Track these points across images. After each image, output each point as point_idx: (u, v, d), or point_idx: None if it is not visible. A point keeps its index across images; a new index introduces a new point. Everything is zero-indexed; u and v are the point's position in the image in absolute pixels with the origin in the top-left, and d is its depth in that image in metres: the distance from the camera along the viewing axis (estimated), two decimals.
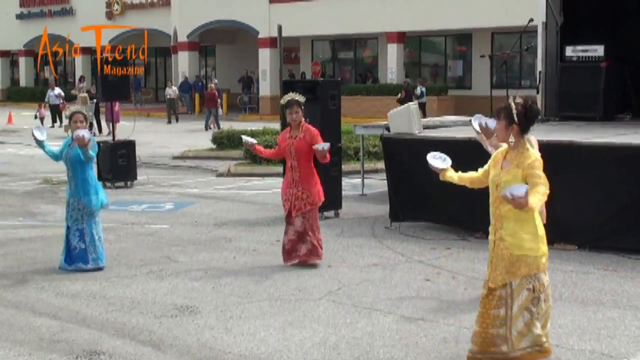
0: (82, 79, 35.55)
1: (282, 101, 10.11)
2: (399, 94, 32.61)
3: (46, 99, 35.36)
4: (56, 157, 10.08)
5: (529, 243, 6.21)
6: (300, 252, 9.90)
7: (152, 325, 7.69)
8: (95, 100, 31.08)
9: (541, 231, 6.28)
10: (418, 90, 33.73)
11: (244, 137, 10.63)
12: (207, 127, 33.32)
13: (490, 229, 6.43)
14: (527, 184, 6.04)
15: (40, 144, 9.97)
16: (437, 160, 6.86)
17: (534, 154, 6.26)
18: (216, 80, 39.09)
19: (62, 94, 35.65)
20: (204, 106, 36.27)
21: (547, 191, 6.10)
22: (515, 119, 6.20)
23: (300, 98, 9.91)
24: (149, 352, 7.00)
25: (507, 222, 6.22)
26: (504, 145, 6.43)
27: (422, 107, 32.86)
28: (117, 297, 8.68)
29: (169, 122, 37.21)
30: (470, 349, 6.43)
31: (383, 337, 7.30)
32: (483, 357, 6.33)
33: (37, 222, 13.30)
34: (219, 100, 36.24)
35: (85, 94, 32.35)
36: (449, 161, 6.87)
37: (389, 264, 10.09)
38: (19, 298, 8.75)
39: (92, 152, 9.79)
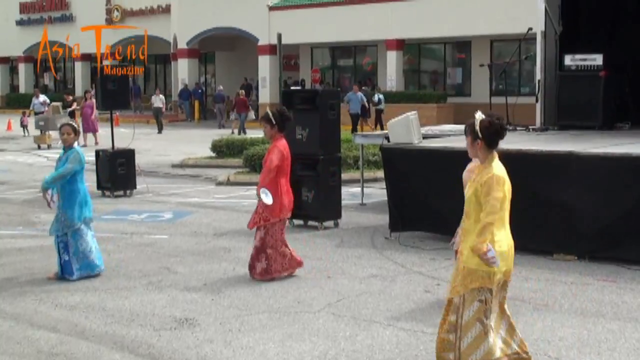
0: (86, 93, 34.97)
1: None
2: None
3: (31, 107, 35.01)
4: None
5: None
6: (256, 270, 9.87)
7: (151, 338, 7.67)
8: (68, 110, 30.85)
9: (501, 247, 6.16)
10: (376, 98, 33.76)
11: (261, 192, 10.21)
12: (241, 132, 34.26)
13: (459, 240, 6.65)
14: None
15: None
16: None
17: (493, 169, 6.19)
18: (242, 91, 39.09)
19: (48, 101, 35.20)
20: (235, 111, 36.99)
21: (489, 220, 6.04)
22: (479, 134, 6.21)
23: (269, 113, 9.94)
24: None
25: (469, 235, 6.22)
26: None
27: (378, 114, 33.09)
28: (115, 309, 8.66)
29: (159, 131, 36.71)
30: None
31: (382, 350, 7.29)
32: None
33: (36, 231, 13.28)
34: (249, 105, 37.15)
35: (58, 103, 32.20)
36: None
37: (389, 275, 10.08)
38: (17, 310, 8.73)
39: (73, 166, 9.77)
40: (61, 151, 10.16)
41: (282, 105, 13.57)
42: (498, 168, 6.23)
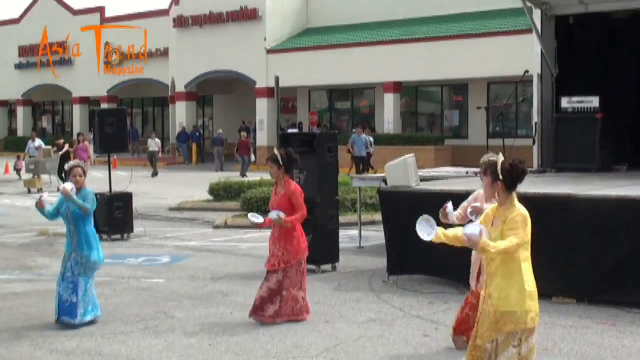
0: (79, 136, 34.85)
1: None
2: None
3: (26, 151, 34.64)
4: (53, 216, 9.97)
5: (515, 299, 6.19)
6: (267, 313, 9.78)
7: None
8: (61, 152, 30.48)
9: (530, 287, 6.24)
10: (365, 140, 33.50)
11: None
12: (243, 175, 34.50)
13: (483, 284, 6.46)
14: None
15: (42, 211, 9.85)
16: (425, 228, 6.56)
17: (519, 209, 6.27)
18: (245, 133, 39.19)
19: (43, 145, 34.92)
20: (238, 154, 37.16)
21: (517, 242, 6.11)
22: (500, 176, 6.22)
23: (277, 154, 9.91)
24: None
25: (496, 278, 6.21)
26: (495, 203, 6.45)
27: (369, 157, 32.92)
28: (112, 355, 8.59)
29: (153, 175, 36.30)
30: None
31: None
32: None
33: (33, 276, 13.22)
34: (251, 148, 37.36)
35: (49, 147, 31.89)
36: (435, 227, 6.57)
37: (387, 320, 10.02)
38: (14, 355, 8.66)
39: (91, 206, 9.76)
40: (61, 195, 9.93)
41: (280, 148, 13.62)
42: (522, 208, 6.32)
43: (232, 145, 44.92)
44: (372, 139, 34.15)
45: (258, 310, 9.84)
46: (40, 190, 28.11)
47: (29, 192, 28.96)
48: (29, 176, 30.72)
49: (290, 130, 37.62)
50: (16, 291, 11.97)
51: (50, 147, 31.55)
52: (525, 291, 6.19)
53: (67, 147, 30.73)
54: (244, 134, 38.51)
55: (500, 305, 6.17)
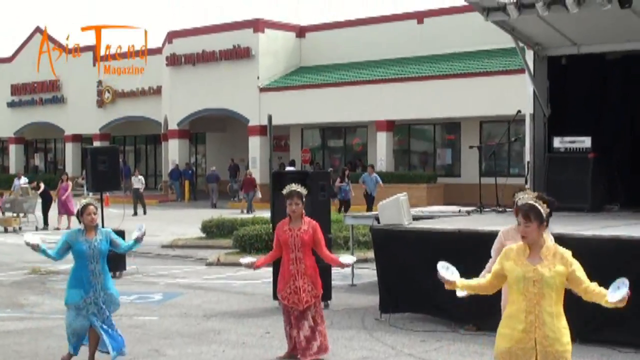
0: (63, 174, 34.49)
1: (284, 191, 9.90)
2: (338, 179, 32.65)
3: (12, 188, 34.30)
4: (59, 256, 9.59)
5: (566, 337, 6.24)
6: (312, 349, 9.64)
7: None
8: (38, 191, 30.09)
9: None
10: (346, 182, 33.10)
11: (241, 260, 10.30)
12: (249, 211, 35.16)
13: (520, 327, 6.22)
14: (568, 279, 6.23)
15: (36, 248, 9.36)
16: (446, 270, 6.58)
17: (562, 248, 6.35)
18: (250, 170, 39.40)
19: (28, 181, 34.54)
20: (243, 191, 37.73)
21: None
22: (545, 218, 6.24)
23: (302, 190, 9.79)
24: None
25: (549, 318, 6.19)
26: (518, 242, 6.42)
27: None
28: None
29: (134, 213, 35.30)
30: None
31: None
32: None
33: (25, 313, 13.18)
34: (257, 185, 37.57)
35: (27, 185, 31.49)
36: (455, 272, 6.62)
37: (380, 357, 10.01)
38: None
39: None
40: (65, 235, 9.68)
41: (273, 185, 13.69)
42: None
43: (226, 182, 45.09)
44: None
45: (307, 351, 9.63)
46: (19, 230, 27.78)
47: (6, 230, 28.28)
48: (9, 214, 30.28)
49: (288, 168, 37.77)
50: (7, 329, 11.93)
51: (27, 186, 31.13)
52: (568, 329, 6.31)
53: (42, 186, 30.36)
54: (249, 170, 38.93)
55: (558, 345, 6.19)
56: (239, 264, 18.04)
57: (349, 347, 10.55)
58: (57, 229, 27.49)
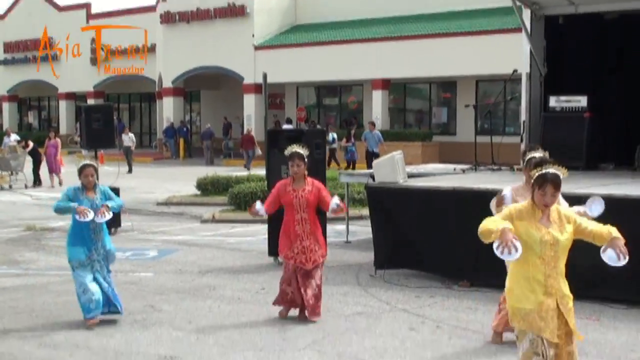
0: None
1: (286, 152, 9.87)
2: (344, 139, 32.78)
3: (2, 146, 34.04)
4: (68, 208, 9.49)
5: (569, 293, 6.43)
6: (319, 309, 9.73)
7: None
8: (27, 149, 29.79)
9: None
10: (330, 137, 33.06)
11: (256, 207, 9.93)
12: (248, 167, 35.16)
13: (542, 289, 6.26)
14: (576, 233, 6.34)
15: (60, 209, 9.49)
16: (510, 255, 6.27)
17: (561, 207, 6.50)
18: (249, 127, 39.38)
19: (19, 139, 34.21)
20: (242, 148, 37.80)
21: None
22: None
23: (304, 151, 9.74)
24: None
25: (562, 278, 6.32)
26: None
27: (332, 153, 32.94)
28: (100, 348, 8.62)
29: (129, 170, 35.11)
30: None
31: None
32: None
33: (20, 270, 13.21)
34: (255, 142, 37.43)
35: (15, 143, 31.19)
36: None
37: (374, 313, 10.08)
38: (1, 349, 8.66)
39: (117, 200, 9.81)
40: (66, 190, 9.66)
41: (268, 143, 13.68)
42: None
43: (220, 140, 45.04)
44: (335, 135, 34.11)
45: (315, 309, 9.70)
46: (10, 187, 27.75)
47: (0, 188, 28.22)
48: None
49: (286, 126, 37.68)
50: (4, 286, 11.96)
51: (16, 144, 30.88)
52: None
53: (31, 144, 30.12)
54: (248, 128, 38.87)
55: (570, 302, 6.38)
56: (234, 221, 18.22)
57: (343, 303, 10.61)
58: (52, 186, 27.52)
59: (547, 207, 6.26)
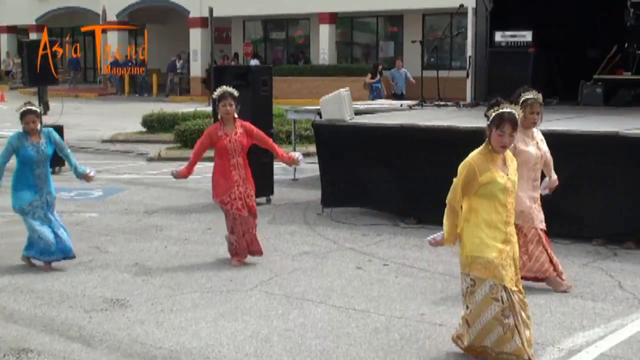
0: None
1: (215, 94, 9.61)
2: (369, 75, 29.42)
3: None
4: (5, 159, 9.31)
5: None
6: (256, 254, 9.67)
7: (81, 320, 7.58)
8: None
9: None
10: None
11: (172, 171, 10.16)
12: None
13: (502, 237, 6.27)
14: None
15: None
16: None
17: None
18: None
19: None
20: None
21: None
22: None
23: (234, 91, 9.46)
24: (79, 349, 6.90)
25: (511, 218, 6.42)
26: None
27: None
28: (45, 291, 8.54)
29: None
30: None
31: (315, 328, 7.31)
32: None
33: None
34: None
35: None
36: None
37: (321, 252, 10.11)
38: None
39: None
40: (10, 138, 9.39)
41: (215, 80, 13.53)
42: None
43: (165, 75, 44.43)
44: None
45: (255, 252, 9.61)
46: None
47: None
48: None
49: (253, 62, 36.90)
50: None
51: None
52: None
53: None
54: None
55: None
56: (180, 159, 18.06)
57: (291, 242, 10.63)
58: None
59: (505, 147, 6.24)
